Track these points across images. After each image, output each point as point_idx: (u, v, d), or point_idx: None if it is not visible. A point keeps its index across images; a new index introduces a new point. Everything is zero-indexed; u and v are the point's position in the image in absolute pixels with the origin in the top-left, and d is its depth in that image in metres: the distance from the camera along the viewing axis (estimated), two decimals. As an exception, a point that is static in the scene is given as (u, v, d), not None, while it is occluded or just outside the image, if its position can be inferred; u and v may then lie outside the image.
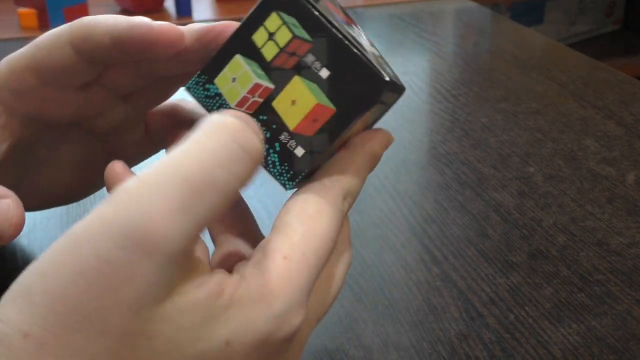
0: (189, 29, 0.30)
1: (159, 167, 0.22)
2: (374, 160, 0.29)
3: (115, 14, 0.96)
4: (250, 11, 0.27)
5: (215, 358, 0.22)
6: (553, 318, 0.37)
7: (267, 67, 0.27)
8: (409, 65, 0.75)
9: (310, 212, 0.26)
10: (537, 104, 0.64)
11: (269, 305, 0.23)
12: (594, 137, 0.57)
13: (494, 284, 0.40)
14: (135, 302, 0.21)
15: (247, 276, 0.24)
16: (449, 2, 0.99)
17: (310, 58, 0.26)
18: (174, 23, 0.30)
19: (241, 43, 0.27)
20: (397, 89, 0.28)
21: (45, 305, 0.21)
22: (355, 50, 0.26)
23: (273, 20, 0.27)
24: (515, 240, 0.44)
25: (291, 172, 0.27)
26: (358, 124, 0.28)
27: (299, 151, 0.27)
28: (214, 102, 0.27)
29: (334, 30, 0.26)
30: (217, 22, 0.29)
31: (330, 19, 0.26)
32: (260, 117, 0.27)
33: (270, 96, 0.27)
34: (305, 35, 0.26)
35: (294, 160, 0.27)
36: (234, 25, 0.28)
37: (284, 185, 0.27)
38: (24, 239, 0.44)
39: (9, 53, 0.34)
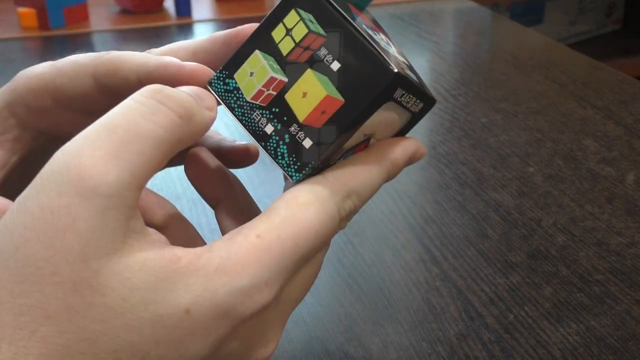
0: (216, 37, 0.31)
1: (89, 127, 0.24)
2: (392, 168, 0.29)
3: (115, 14, 0.96)
4: (272, 9, 0.28)
5: (174, 325, 0.23)
6: (552, 318, 0.37)
7: (282, 61, 0.28)
8: (409, 65, 0.75)
9: (300, 200, 0.26)
10: (536, 104, 0.64)
11: (232, 278, 0.23)
12: (593, 137, 0.57)
13: (493, 284, 0.40)
14: (81, 249, 0.22)
15: (214, 248, 0.24)
16: (448, 2, 0.99)
17: (323, 51, 0.27)
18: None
19: (261, 39, 0.28)
20: (420, 94, 0.28)
21: (0, 264, 0.22)
22: (365, 42, 0.26)
23: (291, 17, 0.28)
24: (514, 240, 0.44)
25: (299, 164, 0.27)
26: (380, 123, 0.28)
27: (307, 142, 0.27)
28: (232, 95, 0.28)
29: (346, 24, 0.27)
30: (244, 25, 0.30)
31: (347, 16, 0.27)
32: (274, 109, 0.28)
33: (284, 89, 0.27)
34: (320, 30, 0.27)
35: (301, 152, 0.27)
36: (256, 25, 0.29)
37: (291, 176, 0.27)
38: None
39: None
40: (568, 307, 0.38)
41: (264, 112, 0.28)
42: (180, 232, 0.30)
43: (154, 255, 0.23)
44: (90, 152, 0.22)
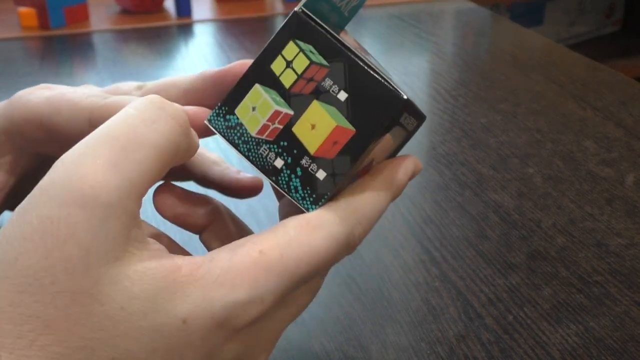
0: (206, 76, 0.31)
1: (89, 135, 0.24)
2: (397, 189, 0.29)
3: (115, 13, 0.96)
4: (268, 41, 0.28)
5: (171, 335, 0.23)
6: (552, 319, 0.37)
7: (286, 94, 0.27)
8: (408, 66, 0.75)
9: (312, 223, 0.26)
10: (536, 105, 0.64)
11: (230, 291, 0.23)
12: (593, 138, 0.57)
13: (492, 285, 0.40)
14: (81, 259, 0.22)
15: (216, 259, 0.24)
16: (448, 3, 0.99)
17: (328, 82, 0.27)
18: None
19: (260, 73, 0.28)
20: (416, 113, 0.29)
21: (0, 274, 0.22)
22: (371, 72, 0.26)
23: (290, 49, 0.27)
24: (514, 241, 0.44)
25: (314, 196, 0.27)
26: (379, 146, 0.28)
27: (321, 174, 0.27)
28: (234, 132, 0.28)
29: (350, 54, 0.27)
30: (234, 63, 0.30)
31: (346, 44, 0.27)
32: (281, 142, 0.27)
33: (290, 122, 0.27)
34: (322, 61, 0.27)
35: (316, 184, 0.27)
36: (250, 62, 0.29)
37: (306, 209, 0.27)
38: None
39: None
40: (567, 308, 0.38)
41: (271, 146, 0.27)
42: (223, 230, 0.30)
43: (154, 264, 0.23)
44: (91, 161, 0.22)
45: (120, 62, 0.76)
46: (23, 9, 0.89)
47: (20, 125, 0.33)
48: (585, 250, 0.43)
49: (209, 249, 0.30)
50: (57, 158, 0.36)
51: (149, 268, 0.23)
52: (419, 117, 0.29)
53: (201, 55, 0.78)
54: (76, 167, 0.22)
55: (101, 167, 0.22)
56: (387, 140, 0.28)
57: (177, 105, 0.26)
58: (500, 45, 0.82)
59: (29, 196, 0.23)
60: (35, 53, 0.79)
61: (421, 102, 0.65)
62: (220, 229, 0.30)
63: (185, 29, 0.89)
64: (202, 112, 0.29)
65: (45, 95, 0.32)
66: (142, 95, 0.33)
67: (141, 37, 0.85)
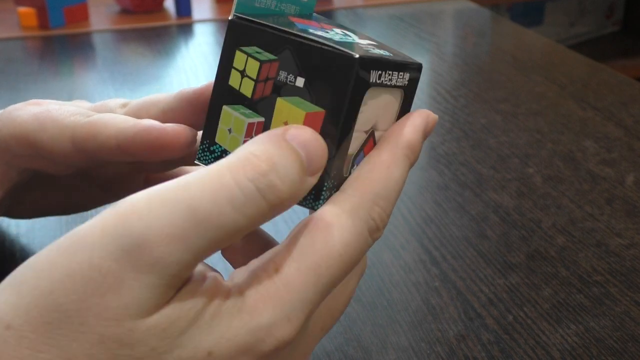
0: (182, 96, 0.31)
1: (170, 187, 0.22)
2: (410, 152, 0.26)
3: (115, 13, 0.96)
4: (218, 61, 0.27)
5: None
6: (552, 319, 0.37)
7: (251, 104, 0.27)
8: (409, 66, 0.75)
9: (320, 224, 0.24)
10: (536, 105, 0.64)
11: (252, 317, 0.22)
12: (593, 139, 0.57)
13: (492, 285, 0.40)
14: (119, 311, 0.21)
15: (235, 284, 0.23)
16: (448, 3, 0.99)
17: (282, 75, 0.26)
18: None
19: (222, 94, 0.27)
20: (396, 66, 0.27)
21: (31, 299, 0.21)
22: (313, 44, 0.25)
23: (239, 58, 0.27)
24: (514, 241, 0.44)
25: (313, 192, 0.26)
26: (377, 113, 0.26)
27: None
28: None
29: (289, 37, 0.26)
30: (205, 84, 0.30)
31: (287, 29, 0.26)
32: None
33: (265, 128, 0.27)
34: (270, 56, 0.26)
35: None
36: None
37: (312, 208, 0.26)
38: (24, 239, 0.44)
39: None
40: (567, 308, 0.38)
41: None
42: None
43: (190, 304, 0.22)
44: (160, 228, 0.21)
45: (121, 62, 0.76)
46: (23, 9, 0.89)
47: (7, 141, 0.33)
48: (585, 250, 0.43)
49: (233, 263, 0.29)
50: (44, 174, 0.37)
51: (183, 309, 0.22)
52: (409, 69, 0.28)
53: (201, 55, 0.78)
54: (143, 225, 0.21)
55: (168, 236, 0.21)
56: (381, 103, 0.27)
57: (286, 180, 0.22)
58: (500, 45, 0.82)
59: (85, 230, 0.21)
60: (35, 53, 0.79)
61: (421, 102, 0.65)
62: (242, 243, 0.29)
63: (185, 28, 0.89)
64: (182, 133, 0.29)
65: (32, 111, 0.32)
66: (126, 113, 0.33)
67: (141, 37, 0.85)
